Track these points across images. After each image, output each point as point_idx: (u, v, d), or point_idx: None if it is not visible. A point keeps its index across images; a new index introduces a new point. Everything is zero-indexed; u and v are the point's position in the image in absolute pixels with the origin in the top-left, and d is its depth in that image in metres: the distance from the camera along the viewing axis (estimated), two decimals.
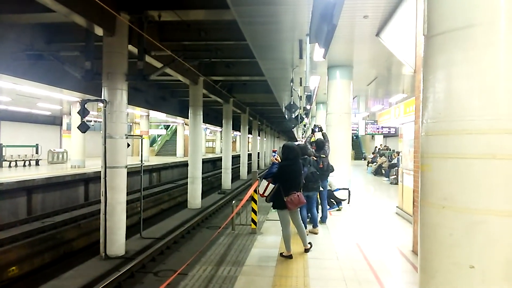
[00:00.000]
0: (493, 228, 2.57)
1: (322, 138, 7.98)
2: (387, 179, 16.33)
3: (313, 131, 8.42)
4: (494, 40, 2.56)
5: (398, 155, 16.90)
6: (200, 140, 18.57)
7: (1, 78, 12.12)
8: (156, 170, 25.36)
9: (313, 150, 7.68)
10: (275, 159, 5.91)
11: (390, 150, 22.20)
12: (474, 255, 2.62)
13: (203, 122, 20.23)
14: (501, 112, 2.55)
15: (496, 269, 2.59)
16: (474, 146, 2.62)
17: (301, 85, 12.45)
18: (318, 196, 7.67)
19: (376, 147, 25.33)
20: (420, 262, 3.08)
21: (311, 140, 8.16)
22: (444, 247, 2.76)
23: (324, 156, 7.61)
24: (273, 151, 6.91)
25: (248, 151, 37.09)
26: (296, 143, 7.57)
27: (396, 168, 14.73)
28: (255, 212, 7.40)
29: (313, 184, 6.73)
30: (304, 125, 27.41)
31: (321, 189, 7.48)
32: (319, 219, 7.79)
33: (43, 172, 16.97)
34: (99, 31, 9.37)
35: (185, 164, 24.36)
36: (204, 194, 19.63)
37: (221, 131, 39.02)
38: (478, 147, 2.60)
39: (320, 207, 7.75)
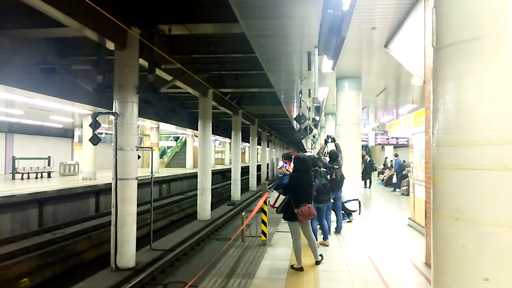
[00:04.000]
0: (506, 240, 2.55)
1: (335, 149, 7.97)
2: (398, 190, 16.16)
3: (326, 142, 8.41)
4: (502, 52, 2.57)
5: (407, 167, 16.70)
6: (209, 152, 18.64)
7: (14, 91, 12.35)
8: (166, 182, 25.45)
9: (326, 160, 7.66)
10: (287, 170, 5.91)
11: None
12: (487, 267, 2.59)
13: (213, 133, 20.36)
14: (511, 123, 2.54)
15: (510, 281, 2.56)
16: (484, 157, 2.61)
17: (310, 97, 12.47)
18: (333, 207, 7.63)
19: (386, 157, 25.14)
20: (433, 275, 3.05)
21: (324, 151, 8.15)
22: (458, 259, 2.73)
23: (337, 167, 7.59)
24: (284, 162, 6.91)
25: (257, 162, 37.09)
26: (307, 154, 7.56)
27: (407, 179, 14.58)
28: (265, 223, 7.38)
29: (324, 196, 6.69)
30: (313, 136, 27.36)
31: (332, 200, 7.43)
32: (334, 229, 7.74)
33: (54, 184, 17.15)
34: (110, 45, 9.54)
35: (194, 176, 24.42)
36: (214, 205, 19.63)
37: (230, 143, 39.10)
38: (489, 158, 2.59)
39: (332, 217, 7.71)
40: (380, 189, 17.53)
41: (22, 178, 19.95)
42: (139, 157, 10.58)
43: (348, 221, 8.87)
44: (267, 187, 8.25)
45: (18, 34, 10.71)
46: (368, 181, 17.78)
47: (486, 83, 2.60)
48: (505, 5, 2.56)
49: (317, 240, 6.31)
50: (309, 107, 14.05)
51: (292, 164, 5.84)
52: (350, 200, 9.25)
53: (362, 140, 17.91)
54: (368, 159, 17.78)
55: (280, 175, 8.03)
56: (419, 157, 7.69)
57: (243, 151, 54.99)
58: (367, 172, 17.19)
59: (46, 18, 8.04)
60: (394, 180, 17.05)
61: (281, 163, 37.63)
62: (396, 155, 18.71)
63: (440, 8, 2.89)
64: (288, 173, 5.80)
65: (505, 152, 2.54)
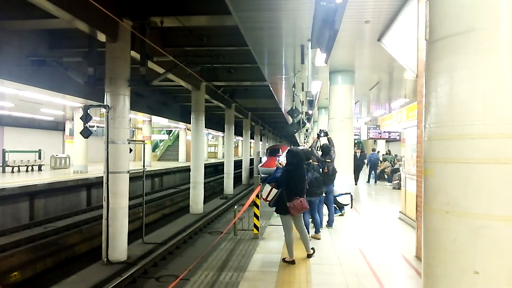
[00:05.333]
0: (497, 233, 2.56)
1: (328, 143, 7.98)
2: (390, 184, 16.30)
3: (318, 136, 8.44)
4: (496, 44, 2.56)
5: (399, 161, 16.95)
6: (202, 145, 18.59)
7: (5, 83, 12.18)
8: (158, 175, 25.36)
9: (319, 154, 7.68)
10: (280, 163, 5.91)
11: (391, 154, 22.16)
12: (478, 260, 2.61)
13: (205, 127, 20.31)
14: (504, 117, 2.54)
15: (500, 275, 2.57)
16: (477, 151, 2.61)
17: (303, 90, 12.46)
18: (325, 200, 7.66)
19: (378, 152, 25.24)
20: (424, 268, 3.06)
21: (316, 145, 8.16)
22: (448, 252, 2.75)
23: (329, 160, 7.61)
24: (277, 155, 6.90)
25: (250, 156, 37.05)
26: (300, 147, 7.55)
27: (399, 173, 14.70)
28: (257, 217, 7.39)
29: (316, 189, 6.72)
30: (306, 130, 27.34)
31: (324, 194, 7.45)
32: (325, 223, 7.78)
33: (45, 177, 17.00)
34: (102, 37, 9.43)
35: (187, 169, 24.36)
36: (206, 199, 19.62)
37: (223, 136, 39.02)
38: (481, 151, 2.59)
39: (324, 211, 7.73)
40: (372, 183, 17.61)
41: (12, 171, 19.73)
42: (131, 150, 10.51)
43: (340, 215, 8.91)
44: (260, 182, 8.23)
45: (9, 25, 10.53)
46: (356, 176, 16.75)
47: (480, 76, 2.60)
48: None
49: (309, 234, 6.34)
50: (302, 101, 14.04)
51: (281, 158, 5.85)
52: (342, 194, 9.30)
53: (355, 134, 17.90)
54: (359, 153, 17.46)
55: (263, 175, 8.06)
56: (411, 151, 7.72)
57: (236, 145, 54.95)
58: (358, 168, 16.89)
59: (37, 10, 7.92)
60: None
61: (264, 159, 34.59)
62: (373, 150, 18.85)
63: (433, 1, 2.87)
64: (281, 166, 5.79)
65: (498, 145, 2.54)
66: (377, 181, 17.63)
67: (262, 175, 27.61)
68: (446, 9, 2.76)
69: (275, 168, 5.86)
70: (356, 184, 16.07)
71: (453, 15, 2.71)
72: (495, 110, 2.56)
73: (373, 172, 17.75)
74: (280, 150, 30.05)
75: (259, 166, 29.71)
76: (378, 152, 25.03)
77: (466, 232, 2.64)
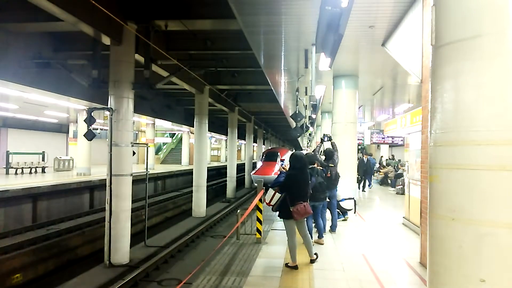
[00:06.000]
0: (504, 240, 2.53)
1: (331, 148, 7.96)
2: (393, 189, 16.23)
3: (322, 140, 8.41)
4: (502, 50, 2.55)
5: (402, 166, 16.85)
6: (205, 149, 18.61)
7: (9, 85, 12.22)
8: (161, 178, 25.37)
9: (322, 159, 7.66)
10: (283, 167, 5.90)
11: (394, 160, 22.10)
12: (484, 268, 2.57)
13: (209, 130, 20.33)
14: (509, 123, 2.52)
15: (507, 283, 2.54)
16: (483, 157, 2.58)
17: (306, 94, 12.45)
18: (328, 205, 7.63)
19: (382, 156, 25.19)
20: (429, 275, 3.03)
21: (319, 150, 8.14)
22: (454, 259, 2.72)
23: (333, 165, 7.59)
24: (264, 162, 6.87)
25: (253, 159, 37.03)
26: (304, 152, 7.52)
27: (402, 178, 14.63)
28: (260, 221, 7.35)
29: (320, 194, 6.69)
30: (310, 134, 27.28)
31: (328, 200, 7.42)
32: (329, 228, 7.74)
33: (49, 179, 17.03)
34: (106, 40, 9.47)
35: (190, 173, 24.36)
36: (209, 202, 19.60)
37: (226, 140, 39.02)
38: (487, 158, 2.57)
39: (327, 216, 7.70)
40: (375, 188, 17.56)
41: (16, 173, 19.80)
42: (134, 153, 10.52)
43: (343, 220, 8.87)
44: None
45: (14, 28, 10.60)
46: (362, 183, 16.03)
47: (485, 82, 2.58)
48: (506, 3, 2.53)
49: (312, 239, 6.30)
50: (306, 105, 14.05)
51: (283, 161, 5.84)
52: (345, 199, 9.25)
53: (358, 139, 17.83)
54: (366, 158, 16.91)
55: (255, 183, 8.02)
56: (415, 156, 7.69)
57: (239, 148, 54.93)
58: (365, 173, 16.15)
59: (42, 12, 7.96)
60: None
61: (259, 164, 30.27)
62: (370, 154, 18.80)
63: (439, 6, 2.86)
64: (284, 170, 5.77)
65: (503, 152, 2.52)
66: (373, 186, 17.59)
67: (255, 183, 23.60)
68: (452, 15, 2.74)
69: (277, 175, 5.84)
70: (364, 190, 15.87)
71: (459, 20, 2.70)
72: (501, 116, 2.54)
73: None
74: (279, 154, 26.21)
75: (252, 173, 25.93)
76: (382, 157, 25.05)
77: (472, 239, 2.61)
